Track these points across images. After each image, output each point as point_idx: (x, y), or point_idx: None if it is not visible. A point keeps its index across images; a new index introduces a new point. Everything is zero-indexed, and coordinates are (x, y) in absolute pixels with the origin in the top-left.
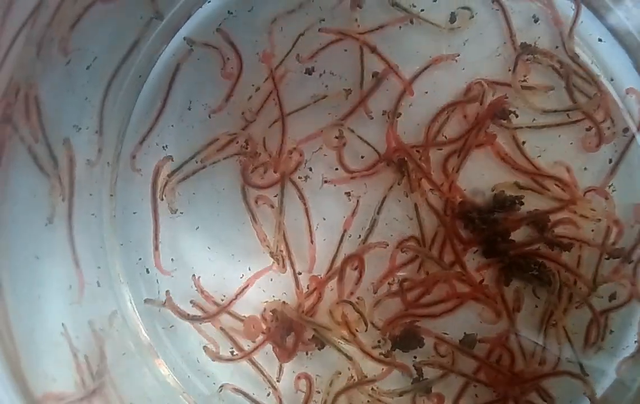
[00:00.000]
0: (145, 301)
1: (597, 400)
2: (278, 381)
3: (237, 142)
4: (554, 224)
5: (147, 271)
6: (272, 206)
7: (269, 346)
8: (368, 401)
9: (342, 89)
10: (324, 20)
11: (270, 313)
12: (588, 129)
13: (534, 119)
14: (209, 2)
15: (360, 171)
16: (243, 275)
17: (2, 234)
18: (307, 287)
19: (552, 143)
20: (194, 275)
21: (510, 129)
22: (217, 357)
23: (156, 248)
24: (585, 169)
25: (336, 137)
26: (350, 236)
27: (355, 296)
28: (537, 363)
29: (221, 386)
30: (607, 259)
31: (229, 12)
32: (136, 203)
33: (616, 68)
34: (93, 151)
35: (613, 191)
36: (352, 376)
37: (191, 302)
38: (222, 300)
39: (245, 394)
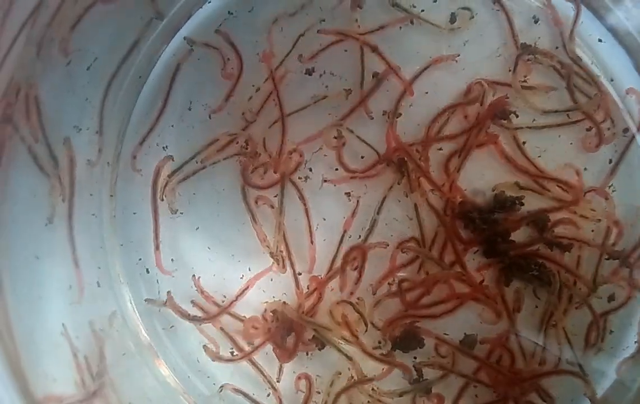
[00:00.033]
0: (146, 300)
1: (598, 400)
2: (278, 381)
3: (237, 143)
4: (554, 225)
5: (147, 271)
6: (272, 207)
7: (269, 347)
8: (368, 402)
9: (342, 89)
10: (324, 20)
11: (271, 314)
12: (588, 130)
13: (534, 120)
14: (209, 2)
15: (360, 171)
16: (243, 275)
17: (3, 234)
18: (307, 288)
19: (552, 143)
20: (194, 275)
21: (511, 130)
22: (217, 357)
23: (157, 248)
24: (585, 169)
25: (335, 138)
26: (350, 237)
27: (355, 296)
28: (537, 364)
29: (221, 387)
30: (607, 259)
31: (229, 12)
32: (136, 203)
33: (616, 68)
34: (93, 151)
35: (613, 191)
36: (352, 377)
37: (192, 302)
38: (223, 300)
39: (246, 395)
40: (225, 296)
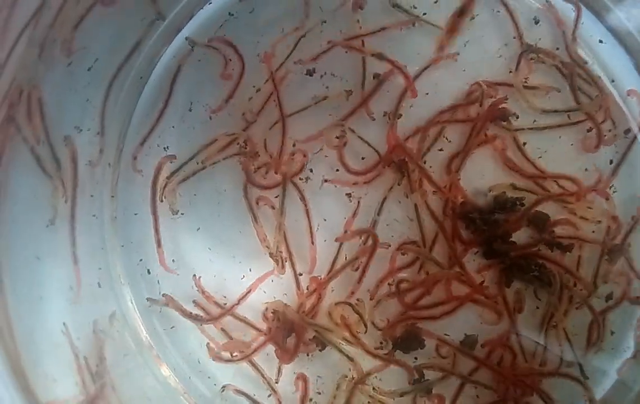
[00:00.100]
0: (148, 299)
1: (597, 402)
2: (277, 382)
3: (238, 143)
4: (554, 225)
5: (148, 272)
6: (273, 207)
7: (269, 348)
8: (369, 402)
9: (343, 90)
10: (325, 22)
11: (272, 314)
12: (589, 131)
13: (534, 120)
14: (210, 3)
15: (362, 173)
16: (244, 276)
17: (3, 234)
18: (307, 288)
19: (552, 145)
20: (194, 275)
21: (511, 131)
22: (217, 357)
23: (159, 245)
24: (586, 170)
25: (337, 138)
26: None
27: (355, 296)
28: (538, 364)
29: (223, 387)
30: (607, 260)
31: (230, 13)
32: (137, 204)
33: (617, 69)
34: (94, 152)
35: (614, 192)
36: (352, 377)
37: (193, 302)
38: (224, 301)
39: (247, 396)
40: (225, 297)
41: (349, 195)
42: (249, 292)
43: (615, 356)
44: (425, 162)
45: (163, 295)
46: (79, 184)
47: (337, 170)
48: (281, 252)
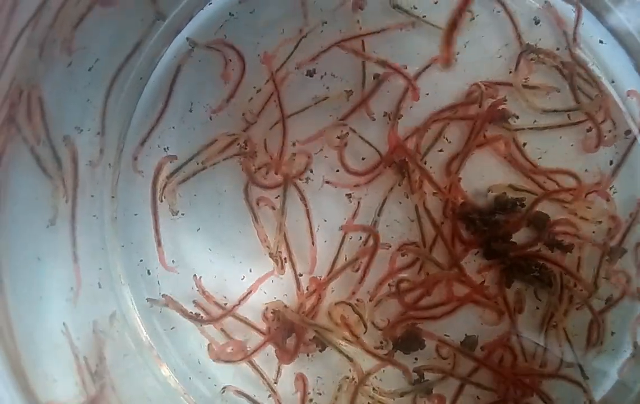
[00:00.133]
0: (148, 300)
1: (597, 403)
2: (276, 382)
3: (238, 144)
4: (554, 226)
5: (149, 273)
6: (273, 208)
7: (269, 348)
8: (369, 403)
9: (343, 90)
10: (326, 22)
11: (272, 314)
12: (588, 131)
13: (535, 121)
14: (210, 3)
15: (363, 174)
16: (244, 277)
17: (3, 234)
18: (307, 289)
19: (553, 145)
20: (195, 275)
21: (511, 131)
22: (218, 357)
23: (159, 244)
24: (586, 170)
25: (338, 138)
26: (351, 238)
27: (356, 297)
28: (538, 365)
29: (224, 388)
30: (607, 260)
31: (230, 14)
32: (137, 205)
33: (617, 70)
34: (95, 152)
35: (614, 192)
36: (353, 378)
37: (194, 302)
38: (224, 301)
39: (247, 397)
40: (226, 297)
41: (349, 196)
42: (249, 293)
43: (615, 357)
44: (425, 163)
45: (163, 295)
46: (80, 184)
47: (337, 170)
48: (281, 252)
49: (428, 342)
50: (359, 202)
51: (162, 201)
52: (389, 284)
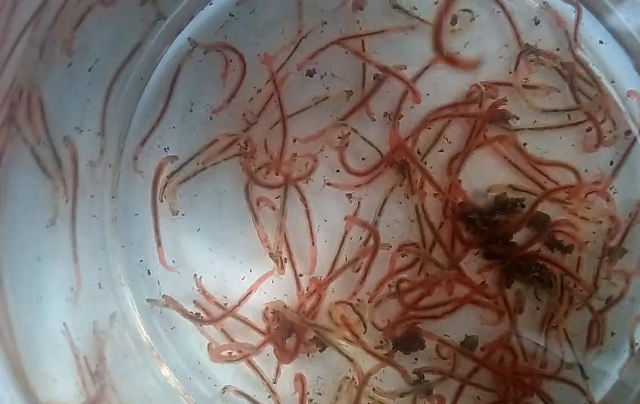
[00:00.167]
0: (148, 300)
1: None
2: (275, 382)
3: (239, 144)
4: (555, 226)
5: (149, 273)
6: (274, 208)
7: (269, 348)
8: (369, 403)
9: (343, 90)
10: (326, 23)
11: (272, 314)
12: (588, 130)
13: (535, 121)
14: (211, 4)
15: (364, 174)
16: (244, 277)
17: (3, 234)
18: (307, 289)
19: (553, 145)
20: (195, 275)
21: (512, 131)
22: (217, 356)
23: (159, 244)
24: (586, 170)
25: (339, 138)
26: (351, 238)
27: (357, 297)
28: (538, 365)
29: (224, 388)
30: (607, 260)
31: (230, 14)
32: (137, 205)
33: (617, 70)
34: (95, 152)
35: (614, 193)
36: (353, 378)
37: (194, 302)
38: (224, 301)
39: (248, 397)
40: (226, 297)
41: (349, 196)
42: (249, 293)
43: (615, 357)
44: (425, 163)
45: (163, 296)
46: (80, 184)
47: (338, 171)
48: (281, 252)
49: (428, 342)
50: (359, 203)
51: (162, 201)
52: (388, 285)
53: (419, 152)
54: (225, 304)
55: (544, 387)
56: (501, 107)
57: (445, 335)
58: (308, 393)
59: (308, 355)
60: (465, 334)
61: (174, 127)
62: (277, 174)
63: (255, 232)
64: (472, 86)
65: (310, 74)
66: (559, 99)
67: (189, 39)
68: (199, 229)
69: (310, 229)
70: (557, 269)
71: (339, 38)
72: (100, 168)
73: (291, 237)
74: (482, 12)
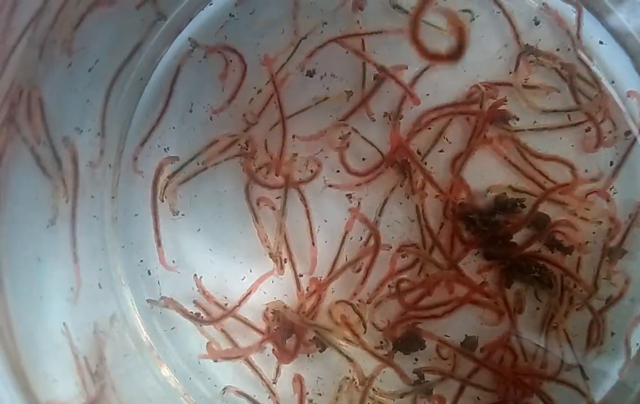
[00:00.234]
0: (148, 301)
1: None
2: (274, 382)
3: (239, 144)
4: (555, 227)
5: (149, 273)
6: (274, 208)
7: (270, 348)
8: (369, 403)
9: (343, 90)
10: (326, 23)
11: (271, 314)
12: (587, 131)
13: (535, 121)
14: (211, 4)
15: (364, 174)
16: (245, 277)
17: (3, 234)
18: (308, 289)
19: (553, 146)
20: (195, 275)
21: (512, 132)
22: (216, 356)
23: (159, 244)
24: (586, 171)
25: (340, 138)
26: (351, 238)
27: (357, 297)
28: (538, 366)
29: (224, 388)
30: (607, 260)
31: (230, 14)
32: (137, 205)
33: (617, 70)
34: (95, 152)
35: (614, 193)
36: (353, 379)
37: (194, 302)
38: (224, 302)
39: (248, 397)
40: (226, 297)
41: (349, 196)
42: (249, 293)
43: (615, 357)
44: (425, 164)
45: (162, 298)
46: (80, 184)
47: (338, 171)
48: (281, 252)
49: (428, 342)
50: (359, 203)
51: (163, 201)
52: (388, 286)
53: (419, 153)
54: (226, 304)
55: (544, 387)
56: (501, 108)
57: (445, 335)
58: (307, 393)
59: (308, 355)
60: (465, 335)
61: (173, 128)
62: (277, 175)
63: (256, 232)
64: (472, 87)
65: (310, 74)
66: (559, 100)
67: (189, 39)
68: (199, 229)
69: (311, 229)
70: (557, 270)
71: (336, 36)
72: (100, 168)
73: (291, 238)
74: (482, 12)
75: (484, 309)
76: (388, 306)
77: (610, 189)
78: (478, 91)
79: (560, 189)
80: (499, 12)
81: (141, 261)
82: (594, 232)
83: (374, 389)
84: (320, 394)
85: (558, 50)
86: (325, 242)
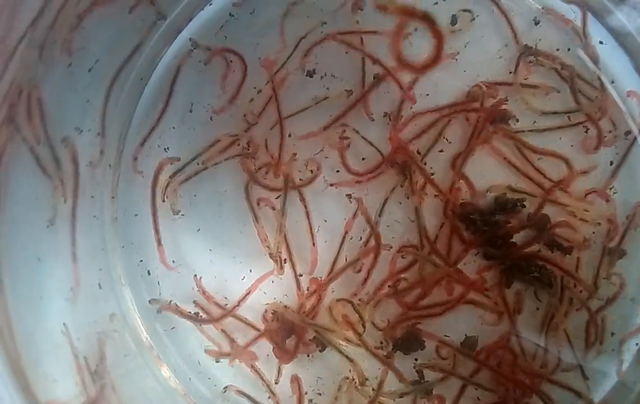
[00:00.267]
0: (150, 301)
1: None
2: (276, 383)
3: (239, 144)
4: (554, 227)
5: (149, 273)
6: (274, 208)
7: (269, 349)
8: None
9: (343, 90)
10: (325, 23)
11: (271, 314)
12: (586, 131)
13: (534, 122)
14: (211, 4)
15: (365, 174)
16: (244, 277)
17: (3, 234)
18: (308, 289)
19: (552, 146)
20: (195, 275)
21: (511, 133)
22: (219, 355)
23: (159, 243)
24: (585, 171)
25: (340, 138)
26: (351, 238)
27: (357, 297)
28: (538, 366)
29: (225, 388)
30: (607, 261)
31: (230, 14)
32: (137, 205)
33: (617, 70)
34: (95, 152)
35: (614, 193)
36: (353, 379)
37: (194, 302)
38: (224, 302)
39: (248, 397)
40: (226, 297)
41: (349, 196)
42: (248, 293)
43: (615, 357)
44: (425, 164)
45: (162, 308)
46: (80, 184)
47: (338, 171)
48: (280, 252)
49: (428, 343)
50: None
51: (164, 201)
52: (389, 286)
53: (419, 153)
54: (226, 304)
55: (544, 387)
56: (502, 107)
57: (445, 336)
58: (306, 393)
59: (308, 355)
60: (465, 335)
61: (173, 128)
62: (276, 176)
63: (256, 232)
64: (473, 87)
65: (310, 74)
66: (559, 100)
67: (190, 40)
68: (199, 230)
69: (311, 229)
70: (557, 270)
71: (333, 33)
72: (100, 168)
73: (291, 238)
74: (482, 12)
75: (484, 310)
76: (388, 306)
77: (610, 189)
78: (479, 91)
79: (559, 185)
80: (498, 12)
81: (141, 261)
82: (593, 232)
83: (373, 389)
84: (320, 394)
85: (558, 50)
86: (325, 242)
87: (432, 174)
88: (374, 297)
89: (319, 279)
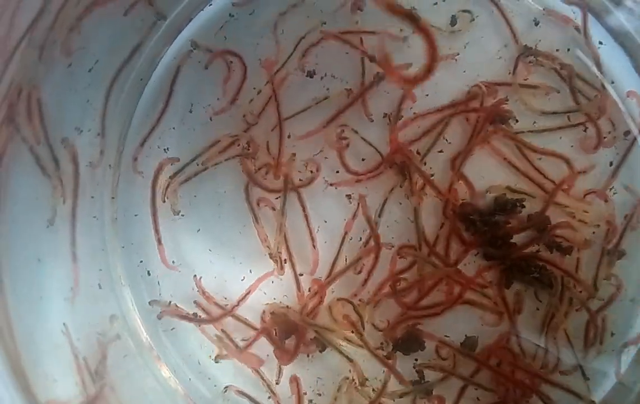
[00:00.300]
0: (150, 303)
1: None
2: (277, 383)
3: (239, 145)
4: (554, 228)
5: (149, 274)
6: (274, 209)
7: (270, 349)
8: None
9: (343, 90)
10: (325, 23)
11: (271, 315)
12: (585, 131)
13: (534, 122)
14: (211, 5)
15: (365, 174)
16: (244, 277)
17: (3, 234)
18: (309, 290)
19: (552, 146)
20: (195, 275)
21: (511, 133)
22: (221, 356)
23: (159, 243)
24: (585, 172)
25: (339, 138)
26: (351, 239)
27: (357, 298)
28: (538, 366)
29: (225, 388)
30: (607, 262)
31: (230, 14)
32: (137, 205)
33: (617, 71)
34: (95, 153)
35: (614, 193)
36: (353, 379)
37: (194, 302)
38: (224, 302)
39: (248, 397)
40: (226, 298)
41: (348, 196)
42: (248, 293)
43: (615, 358)
44: (425, 164)
45: (161, 312)
46: (80, 185)
47: (337, 171)
48: (280, 253)
49: (428, 343)
50: (359, 203)
51: (164, 201)
52: (389, 286)
53: (418, 153)
54: (226, 304)
55: (544, 387)
56: (502, 107)
57: (445, 336)
58: (306, 394)
59: (308, 355)
60: (465, 335)
61: (173, 128)
62: (276, 177)
63: (255, 232)
64: (473, 87)
65: (310, 75)
66: (559, 101)
67: (190, 41)
68: (199, 230)
69: (310, 230)
70: (557, 270)
71: (333, 33)
72: (100, 169)
73: (291, 238)
74: (481, 12)
75: (484, 311)
76: (388, 306)
77: (610, 189)
78: (479, 91)
79: (560, 186)
80: (498, 13)
81: (141, 261)
82: (593, 232)
83: (373, 390)
84: (319, 395)
85: (557, 50)
86: (325, 242)
87: (432, 174)
88: (374, 297)
89: (320, 279)
